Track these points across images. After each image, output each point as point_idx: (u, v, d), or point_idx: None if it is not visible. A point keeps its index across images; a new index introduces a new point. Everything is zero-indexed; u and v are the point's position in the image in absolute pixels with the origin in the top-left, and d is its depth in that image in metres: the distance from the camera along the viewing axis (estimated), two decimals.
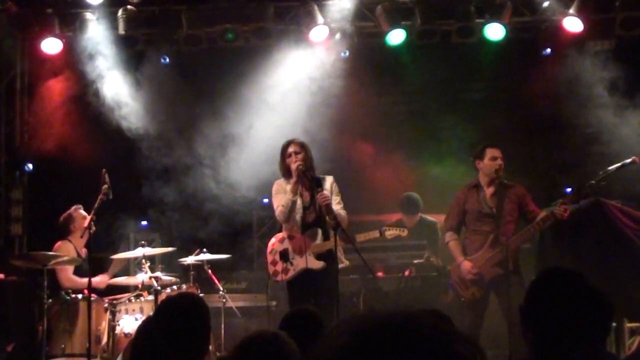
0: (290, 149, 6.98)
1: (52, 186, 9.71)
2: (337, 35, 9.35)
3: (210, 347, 6.56)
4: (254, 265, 9.73)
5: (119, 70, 9.43)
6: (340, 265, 6.93)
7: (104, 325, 7.28)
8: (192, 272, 7.90)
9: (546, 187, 9.30)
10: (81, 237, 7.60)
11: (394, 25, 9.09)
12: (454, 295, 7.40)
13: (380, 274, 8.46)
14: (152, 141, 9.43)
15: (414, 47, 9.41)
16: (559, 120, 9.61)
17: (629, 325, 7.47)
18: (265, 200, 9.12)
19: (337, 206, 6.90)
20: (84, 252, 7.79)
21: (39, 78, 9.72)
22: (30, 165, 9.69)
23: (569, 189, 8.64)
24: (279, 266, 7.00)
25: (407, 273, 8.14)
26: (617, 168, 7.05)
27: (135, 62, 9.45)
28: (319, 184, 6.83)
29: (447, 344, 1.19)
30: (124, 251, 8.39)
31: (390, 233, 7.15)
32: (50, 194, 9.58)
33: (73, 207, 7.88)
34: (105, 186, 6.93)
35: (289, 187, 6.96)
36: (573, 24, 8.96)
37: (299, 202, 6.95)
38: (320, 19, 9.12)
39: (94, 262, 7.31)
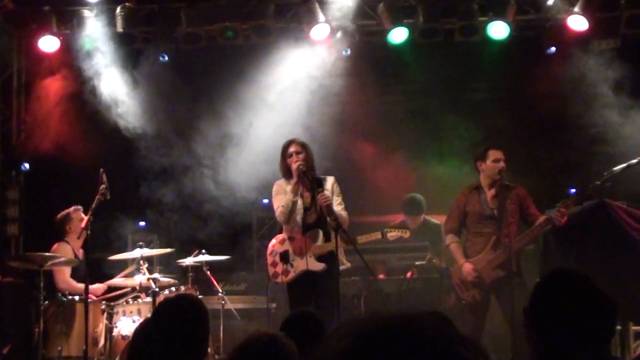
0: (291, 149, 6.92)
1: (49, 186, 9.69)
2: (339, 34, 9.31)
3: (209, 350, 6.55)
4: (254, 266, 9.70)
5: (117, 69, 9.38)
6: (341, 267, 6.90)
7: (101, 327, 7.27)
8: (190, 274, 7.88)
9: (549, 187, 9.25)
10: (78, 238, 7.58)
11: (396, 23, 9.05)
12: (457, 298, 7.34)
13: (381, 275, 8.49)
14: (150, 140, 9.39)
15: (416, 45, 9.37)
16: (563, 120, 9.56)
17: (634, 328, 7.46)
18: (265, 201, 9.10)
19: (338, 207, 6.85)
20: (81, 253, 7.76)
21: (36, 76, 9.67)
22: (26, 165, 9.64)
23: (572, 190, 8.58)
24: (279, 268, 6.96)
25: (408, 275, 8.12)
26: (623, 169, 7.01)
27: (133, 60, 9.40)
28: (319, 184, 6.78)
29: (449, 347, 1.18)
30: (122, 252, 8.32)
31: (392, 234, 7.12)
32: (47, 193, 9.57)
33: (72, 208, 7.88)
34: (103, 186, 6.92)
35: (289, 188, 6.90)
36: (578, 23, 8.91)
37: (299, 202, 6.90)
38: (321, 16, 9.08)
39: (91, 264, 7.23)
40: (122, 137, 9.35)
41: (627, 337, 7.30)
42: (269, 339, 2.94)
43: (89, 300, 6.95)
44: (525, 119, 9.90)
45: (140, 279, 7.44)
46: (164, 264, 8.45)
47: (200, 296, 7.16)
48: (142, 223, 9.77)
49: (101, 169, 6.98)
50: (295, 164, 6.83)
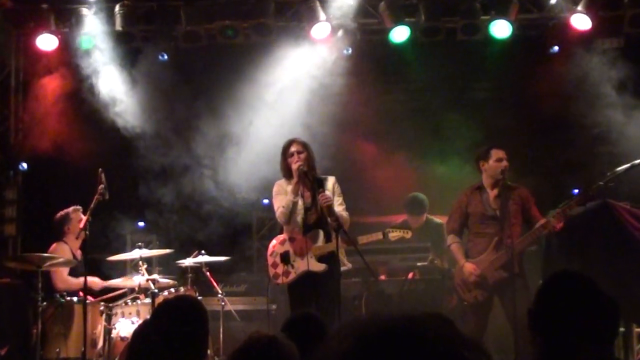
0: (292, 149, 6.89)
1: (47, 186, 9.67)
2: (339, 32, 9.31)
3: (209, 352, 6.57)
4: (254, 267, 9.70)
5: (116, 67, 9.36)
6: (342, 268, 6.92)
7: (100, 328, 7.26)
8: (190, 275, 7.85)
9: (552, 188, 9.23)
10: (77, 238, 7.59)
11: (398, 22, 9.05)
12: (459, 299, 7.30)
13: (382, 276, 8.52)
14: (150, 140, 9.37)
15: (418, 44, 9.36)
16: (566, 120, 9.53)
17: (637, 330, 7.51)
18: (266, 201, 9.09)
19: (339, 207, 6.82)
20: (79, 253, 7.76)
21: (34, 75, 9.65)
22: (24, 165, 9.60)
23: (575, 191, 8.56)
24: (280, 268, 6.92)
25: (410, 276, 8.12)
26: (626, 169, 6.98)
27: (132, 59, 9.39)
28: (320, 184, 6.75)
29: (451, 348, 1.19)
30: (121, 253, 8.29)
31: (393, 235, 7.09)
32: (45, 193, 9.55)
33: (72, 208, 7.85)
34: (102, 186, 6.90)
35: (289, 188, 6.87)
36: (581, 22, 8.90)
37: (300, 203, 6.86)
38: (322, 15, 9.07)
39: (89, 264, 7.23)
40: (121, 136, 9.33)
41: (631, 339, 7.31)
42: (269, 341, 2.92)
43: (88, 301, 6.93)
44: (528, 118, 9.88)
45: (139, 280, 7.43)
46: (163, 265, 8.44)
47: (199, 297, 7.15)
48: (141, 223, 9.77)
49: (100, 169, 6.96)
50: (295, 164, 6.79)
